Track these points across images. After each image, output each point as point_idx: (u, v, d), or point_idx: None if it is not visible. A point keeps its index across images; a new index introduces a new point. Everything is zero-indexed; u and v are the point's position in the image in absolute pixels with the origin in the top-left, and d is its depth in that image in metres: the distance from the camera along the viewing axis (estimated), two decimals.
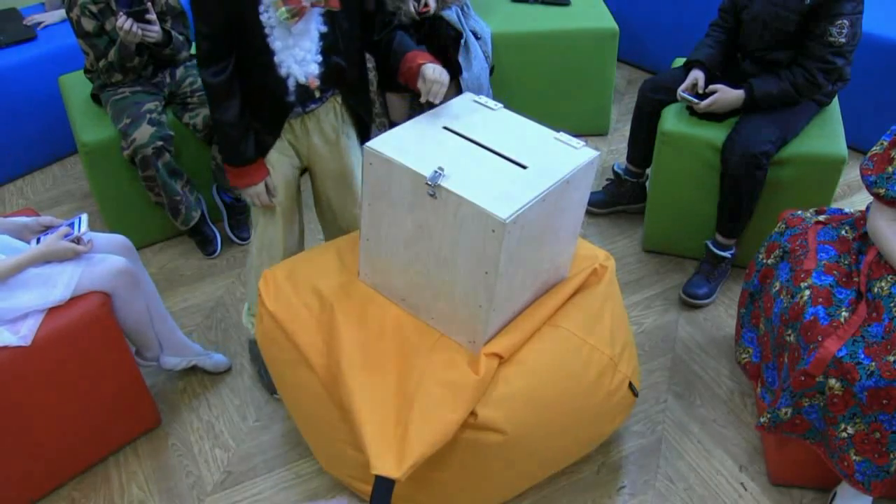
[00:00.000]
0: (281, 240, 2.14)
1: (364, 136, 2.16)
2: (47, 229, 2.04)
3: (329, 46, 1.85)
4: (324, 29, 1.82)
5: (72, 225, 1.99)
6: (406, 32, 2.95)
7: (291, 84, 1.86)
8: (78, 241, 1.95)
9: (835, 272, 1.85)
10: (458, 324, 1.75)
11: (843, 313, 1.75)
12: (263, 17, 1.74)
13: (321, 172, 2.13)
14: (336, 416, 1.82)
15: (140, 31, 2.54)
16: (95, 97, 2.83)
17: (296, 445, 2.18)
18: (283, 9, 1.71)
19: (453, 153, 1.66)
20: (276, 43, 1.79)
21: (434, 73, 1.81)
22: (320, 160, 2.10)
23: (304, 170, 2.16)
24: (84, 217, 2.01)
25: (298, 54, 1.81)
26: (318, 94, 1.93)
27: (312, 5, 1.75)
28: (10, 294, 1.86)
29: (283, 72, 1.83)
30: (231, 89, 1.85)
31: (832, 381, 1.69)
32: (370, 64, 2.99)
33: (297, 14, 1.73)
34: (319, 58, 1.84)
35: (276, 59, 1.81)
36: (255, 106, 1.91)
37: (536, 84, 3.29)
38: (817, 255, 1.91)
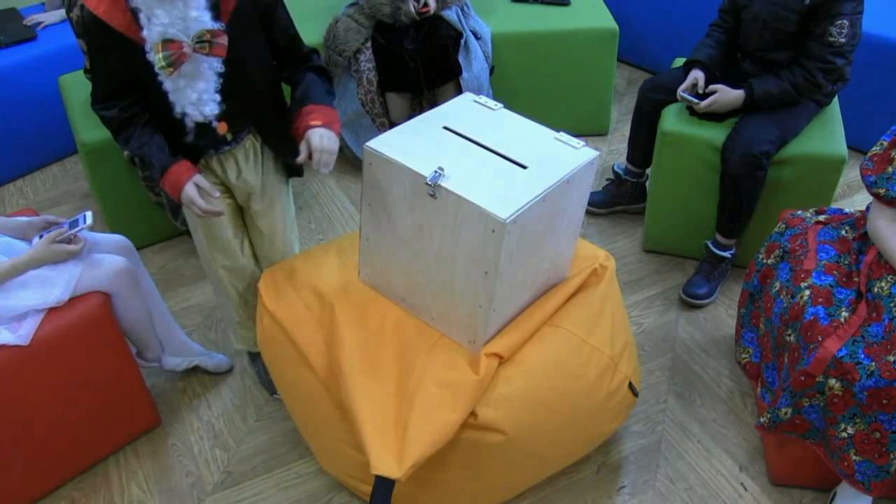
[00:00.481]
0: (230, 238, 2.02)
1: (294, 171, 2.06)
2: (51, 226, 2.04)
3: (231, 86, 1.71)
4: (220, 68, 1.66)
5: (76, 222, 1.99)
6: (406, 33, 2.97)
7: (189, 124, 1.73)
8: (69, 240, 1.94)
9: (835, 272, 1.85)
10: (458, 324, 1.75)
11: (843, 313, 1.75)
12: (151, 57, 1.60)
13: (251, 216, 2.03)
14: (336, 415, 1.82)
15: None
16: None
17: (296, 445, 2.18)
18: (160, 55, 1.57)
19: (453, 153, 1.66)
20: (167, 83, 1.65)
21: (321, 140, 1.70)
22: (250, 202, 2.00)
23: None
24: (88, 214, 2.01)
25: (191, 95, 1.67)
26: (229, 137, 1.83)
27: (195, 51, 1.60)
28: (9, 294, 1.86)
29: (177, 111, 1.70)
30: (126, 122, 1.73)
31: (832, 381, 1.68)
32: (370, 63, 2.99)
33: (174, 64, 1.59)
34: (218, 97, 1.70)
35: (169, 98, 1.68)
36: (169, 140, 1.77)
37: (536, 84, 3.29)
38: (817, 255, 1.91)
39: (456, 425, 1.64)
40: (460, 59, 2.96)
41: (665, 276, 2.73)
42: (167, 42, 1.56)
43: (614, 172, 3.00)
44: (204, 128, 1.75)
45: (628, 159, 2.91)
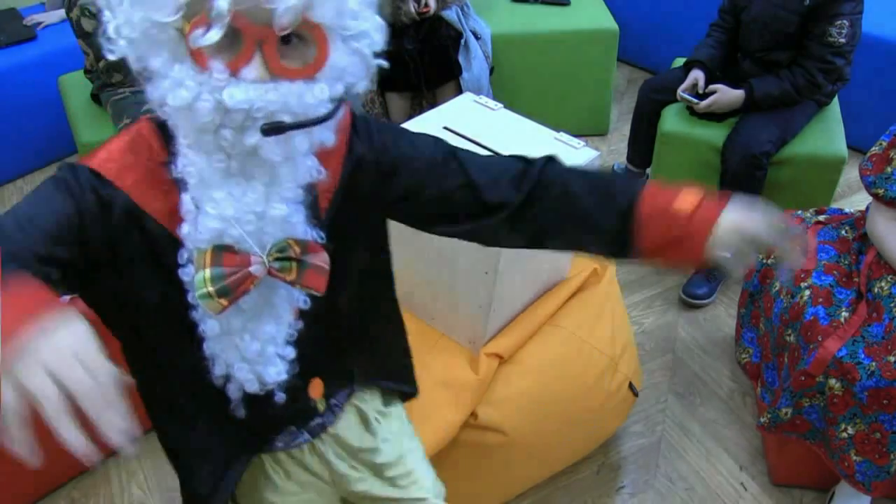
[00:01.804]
0: None
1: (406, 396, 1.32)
2: None
3: (317, 328, 0.98)
4: (305, 303, 0.94)
5: None
6: (405, 33, 2.97)
7: (234, 393, 0.97)
8: None
9: (835, 272, 1.85)
10: (458, 324, 1.75)
11: (843, 313, 1.75)
12: (184, 275, 0.86)
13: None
14: None
15: None
16: (95, 97, 2.83)
17: None
18: (206, 272, 0.82)
19: None
20: (209, 323, 0.89)
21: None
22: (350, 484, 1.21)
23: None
24: None
25: (249, 347, 0.92)
26: (321, 407, 1.10)
27: (270, 274, 0.86)
28: None
29: (217, 374, 0.94)
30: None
31: (832, 382, 1.68)
32: None
33: (230, 293, 0.83)
34: (291, 352, 0.95)
35: (205, 349, 0.92)
36: (200, 413, 1.06)
37: (536, 84, 3.29)
38: (817, 255, 1.91)
39: (456, 426, 1.64)
40: (460, 59, 2.96)
41: (665, 276, 2.73)
42: (222, 251, 0.83)
43: (614, 172, 3.00)
44: (262, 400, 0.98)
45: (628, 159, 2.91)
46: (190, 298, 0.87)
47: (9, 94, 3.20)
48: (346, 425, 1.16)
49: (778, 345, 1.92)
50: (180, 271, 0.86)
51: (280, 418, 1.06)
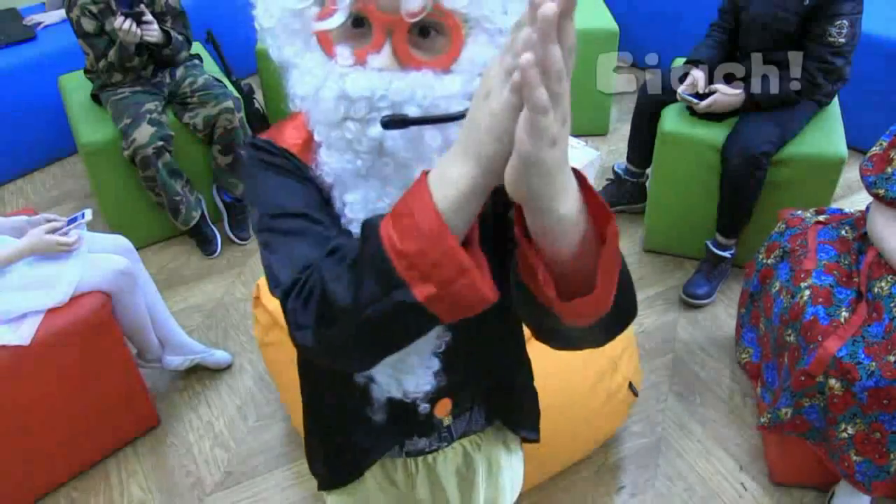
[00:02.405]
0: None
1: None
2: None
3: (464, 343, 0.92)
4: (444, 335, 0.90)
5: (75, 219, 1.99)
6: None
7: (378, 396, 0.97)
8: (65, 235, 1.94)
9: (835, 272, 1.85)
10: None
11: (843, 313, 1.75)
12: None
13: None
14: None
15: (139, 32, 2.55)
16: (96, 97, 2.83)
17: (296, 445, 2.18)
18: None
19: None
20: None
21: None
22: None
23: None
24: (87, 211, 2.01)
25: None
26: (446, 422, 1.05)
27: None
28: (9, 294, 1.86)
29: (361, 375, 0.94)
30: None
31: (832, 381, 1.68)
32: None
33: None
34: (437, 363, 0.92)
35: None
36: (335, 411, 1.05)
37: None
38: (817, 255, 1.91)
39: None
40: None
41: (665, 276, 2.73)
42: None
43: (614, 172, 3.00)
44: (402, 408, 0.96)
45: (628, 159, 2.90)
46: None
47: (9, 94, 3.21)
48: (445, 463, 1.10)
49: (778, 345, 1.92)
50: None
51: (412, 425, 1.01)
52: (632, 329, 2.23)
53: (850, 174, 3.13)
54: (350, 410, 1.01)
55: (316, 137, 0.79)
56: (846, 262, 1.88)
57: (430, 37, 0.74)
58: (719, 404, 2.25)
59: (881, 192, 1.77)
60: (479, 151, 0.61)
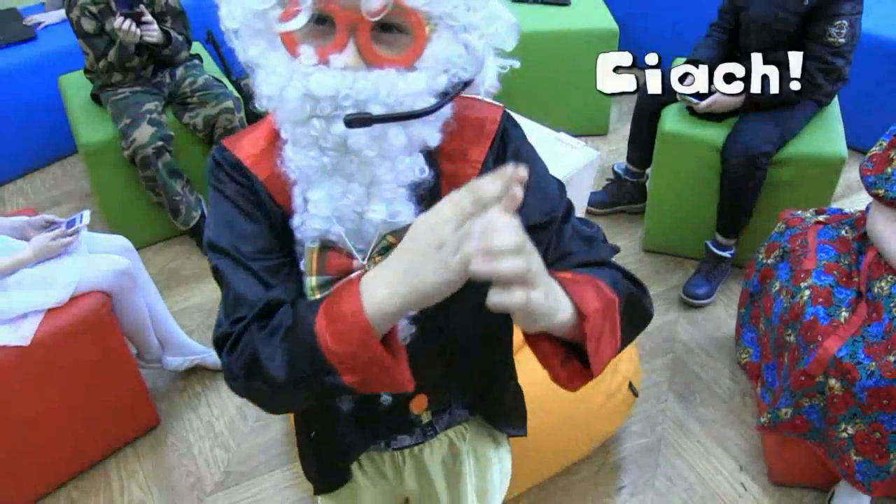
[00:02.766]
0: None
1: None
2: (50, 225, 2.04)
3: (432, 337, 0.92)
4: (408, 328, 0.89)
5: (73, 222, 1.99)
6: None
7: (345, 406, 1.01)
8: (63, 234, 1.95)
9: (835, 272, 1.85)
10: None
11: (843, 313, 1.75)
12: (300, 260, 0.86)
13: None
14: None
15: (139, 32, 2.55)
16: (96, 97, 2.84)
17: (295, 445, 2.17)
18: (312, 280, 0.82)
19: None
20: None
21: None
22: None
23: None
24: (86, 213, 2.01)
25: None
26: (425, 419, 1.07)
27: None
28: (9, 294, 1.86)
29: None
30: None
31: (832, 381, 1.68)
32: None
33: None
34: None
35: None
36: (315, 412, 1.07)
37: (536, 84, 3.29)
38: (817, 255, 1.91)
39: None
40: None
41: (665, 276, 2.73)
42: (327, 251, 0.81)
43: (614, 172, 3.00)
44: (368, 398, 0.98)
45: (628, 159, 2.91)
46: (306, 290, 0.83)
47: (9, 94, 3.21)
48: (431, 455, 1.13)
49: (778, 345, 1.92)
50: (300, 263, 0.84)
51: (380, 422, 1.02)
52: None
53: (850, 174, 3.13)
54: (323, 406, 1.02)
55: (282, 135, 0.80)
56: (846, 262, 1.88)
57: (392, 33, 0.75)
58: (719, 404, 2.25)
59: (881, 192, 1.77)
60: (420, 289, 0.67)
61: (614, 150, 3.37)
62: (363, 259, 0.80)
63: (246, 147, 0.87)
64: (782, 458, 1.99)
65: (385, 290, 0.69)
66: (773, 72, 2.42)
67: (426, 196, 0.83)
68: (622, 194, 2.97)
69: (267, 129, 0.87)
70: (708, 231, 2.61)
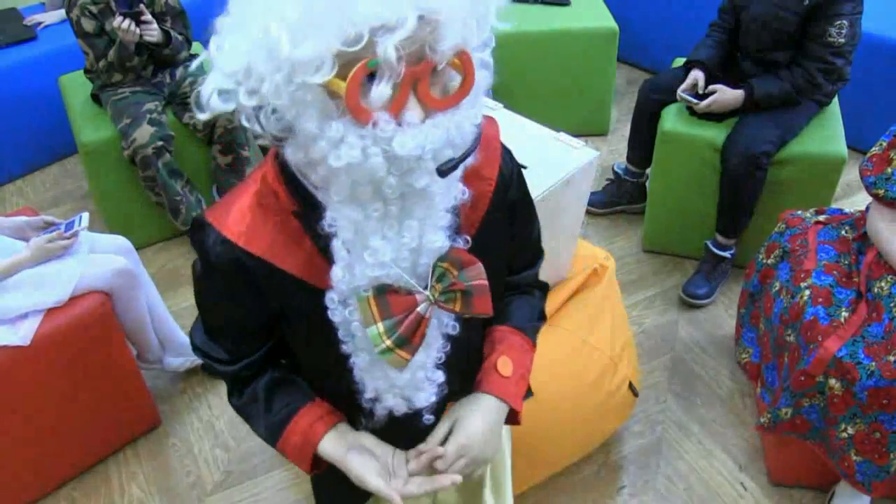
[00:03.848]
0: None
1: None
2: (49, 226, 2.04)
3: (458, 352, 0.95)
4: (453, 328, 0.92)
5: (72, 224, 1.99)
6: None
7: (380, 413, 0.98)
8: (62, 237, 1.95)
9: (835, 272, 1.85)
10: None
11: (843, 313, 1.75)
12: (334, 317, 0.87)
13: None
14: None
15: (139, 31, 2.55)
16: (95, 97, 2.83)
17: None
18: (379, 326, 0.82)
19: None
20: (360, 356, 0.91)
21: (469, 434, 0.99)
22: None
23: None
24: (84, 215, 2.01)
25: (400, 376, 0.92)
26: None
27: (438, 306, 0.85)
28: (9, 294, 1.86)
29: (367, 398, 0.96)
30: (251, 377, 1.03)
31: (832, 381, 1.68)
32: None
33: (406, 343, 0.83)
34: (441, 375, 0.95)
35: (356, 376, 0.94)
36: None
37: (536, 84, 3.29)
38: (817, 255, 1.91)
39: None
40: None
41: (665, 276, 2.73)
42: (385, 295, 0.82)
43: (614, 172, 3.00)
44: (404, 420, 0.98)
45: (628, 159, 2.91)
46: (341, 335, 0.89)
47: (9, 94, 3.21)
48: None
49: (778, 345, 1.92)
50: (329, 313, 0.86)
51: (414, 431, 1.01)
52: (631, 329, 2.23)
53: (850, 174, 3.13)
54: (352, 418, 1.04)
55: (334, 196, 0.78)
56: (846, 263, 1.88)
57: (438, 73, 0.75)
58: (719, 404, 2.25)
59: (881, 192, 1.77)
60: (358, 473, 0.95)
61: (614, 150, 3.37)
62: (424, 289, 0.83)
63: (233, 224, 0.86)
64: (782, 458, 1.99)
65: (336, 451, 0.98)
66: (772, 72, 2.43)
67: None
68: (622, 194, 2.97)
69: (250, 198, 0.87)
70: (708, 231, 2.61)
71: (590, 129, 3.43)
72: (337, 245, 0.81)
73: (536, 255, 1.14)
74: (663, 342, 2.47)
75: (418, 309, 0.82)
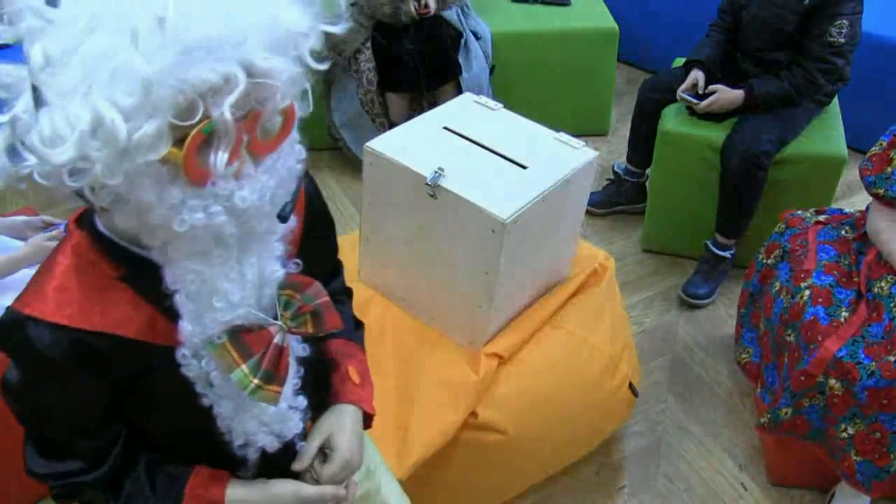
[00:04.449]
0: None
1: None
2: (49, 226, 2.04)
3: (308, 372, 0.96)
4: (306, 350, 0.94)
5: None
6: (405, 33, 2.97)
7: (252, 456, 0.96)
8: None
9: (835, 272, 1.85)
10: (457, 324, 1.75)
11: (843, 313, 1.75)
12: (189, 371, 0.84)
13: None
14: None
15: None
16: None
17: None
18: (244, 369, 0.82)
19: (453, 153, 1.66)
20: (223, 405, 0.88)
21: (348, 446, 1.01)
22: None
23: None
24: None
25: (265, 412, 0.91)
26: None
27: (290, 332, 0.87)
28: (8, 293, 1.86)
29: (237, 445, 0.93)
30: (128, 468, 0.94)
31: (832, 382, 1.68)
32: (370, 63, 2.99)
33: (276, 377, 0.85)
34: (304, 400, 0.95)
35: (221, 427, 0.91)
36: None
37: (536, 84, 3.29)
38: (817, 256, 1.91)
39: (456, 425, 1.64)
40: (460, 59, 2.96)
41: (665, 276, 2.73)
42: (237, 336, 0.82)
43: (614, 172, 3.00)
44: (278, 454, 0.97)
45: (628, 159, 2.91)
46: (199, 389, 0.86)
47: None
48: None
49: (778, 345, 1.92)
50: (184, 370, 0.83)
51: (286, 464, 1.00)
52: (631, 329, 2.23)
53: (851, 174, 3.13)
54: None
55: (174, 255, 0.77)
56: (846, 263, 1.88)
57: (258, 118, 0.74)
58: (719, 404, 2.25)
59: (881, 192, 1.77)
60: (292, 489, 0.96)
61: (614, 150, 3.37)
62: (274, 319, 0.85)
63: (57, 309, 0.80)
64: (782, 458, 1.99)
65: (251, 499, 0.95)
66: (772, 72, 2.43)
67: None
68: (622, 194, 2.97)
69: (65, 276, 0.82)
70: (708, 231, 2.61)
71: (590, 129, 3.43)
72: (181, 300, 0.79)
73: (338, 263, 1.19)
74: (663, 342, 2.47)
75: (275, 341, 0.84)
